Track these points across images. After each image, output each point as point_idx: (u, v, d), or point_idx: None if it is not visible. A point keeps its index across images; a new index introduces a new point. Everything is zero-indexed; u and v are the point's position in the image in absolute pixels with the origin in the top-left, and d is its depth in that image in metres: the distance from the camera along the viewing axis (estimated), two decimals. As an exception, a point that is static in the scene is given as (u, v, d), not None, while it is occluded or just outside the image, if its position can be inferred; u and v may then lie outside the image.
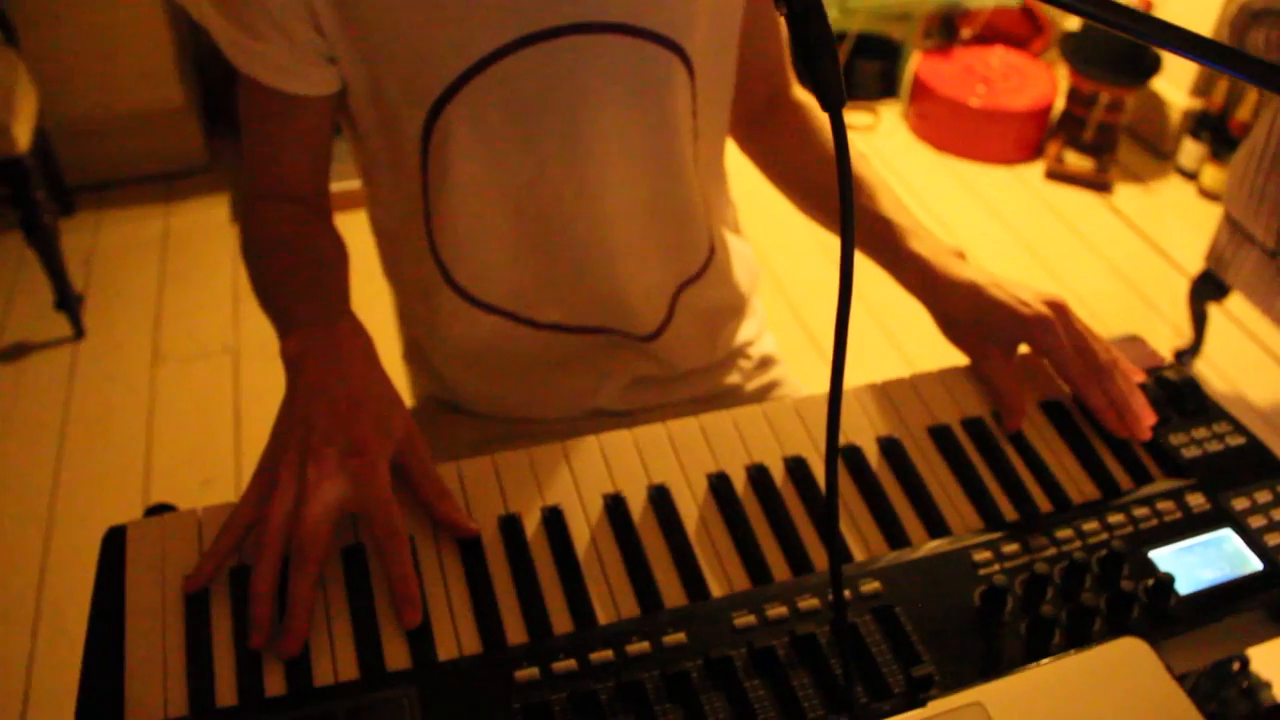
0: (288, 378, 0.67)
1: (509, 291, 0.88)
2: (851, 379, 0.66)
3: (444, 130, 0.77)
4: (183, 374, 2.09)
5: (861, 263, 0.67)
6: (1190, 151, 2.84)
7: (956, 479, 0.72)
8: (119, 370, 2.08)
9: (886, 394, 0.78)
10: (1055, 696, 0.57)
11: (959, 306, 0.80)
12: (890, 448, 0.74)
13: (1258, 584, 0.66)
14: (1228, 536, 0.69)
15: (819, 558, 0.66)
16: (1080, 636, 0.61)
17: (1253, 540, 0.69)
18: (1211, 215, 2.74)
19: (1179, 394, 0.79)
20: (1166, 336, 2.29)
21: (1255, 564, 0.67)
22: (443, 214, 0.83)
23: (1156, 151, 2.97)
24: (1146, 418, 0.76)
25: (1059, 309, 0.77)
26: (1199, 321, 2.13)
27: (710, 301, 0.97)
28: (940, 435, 0.75)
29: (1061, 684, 0.57)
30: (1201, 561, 0.67)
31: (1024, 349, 0.79)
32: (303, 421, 0.62)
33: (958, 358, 0.82)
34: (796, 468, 0.72)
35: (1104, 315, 2.36)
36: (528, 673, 0.57)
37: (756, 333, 1.06)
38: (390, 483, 0.62)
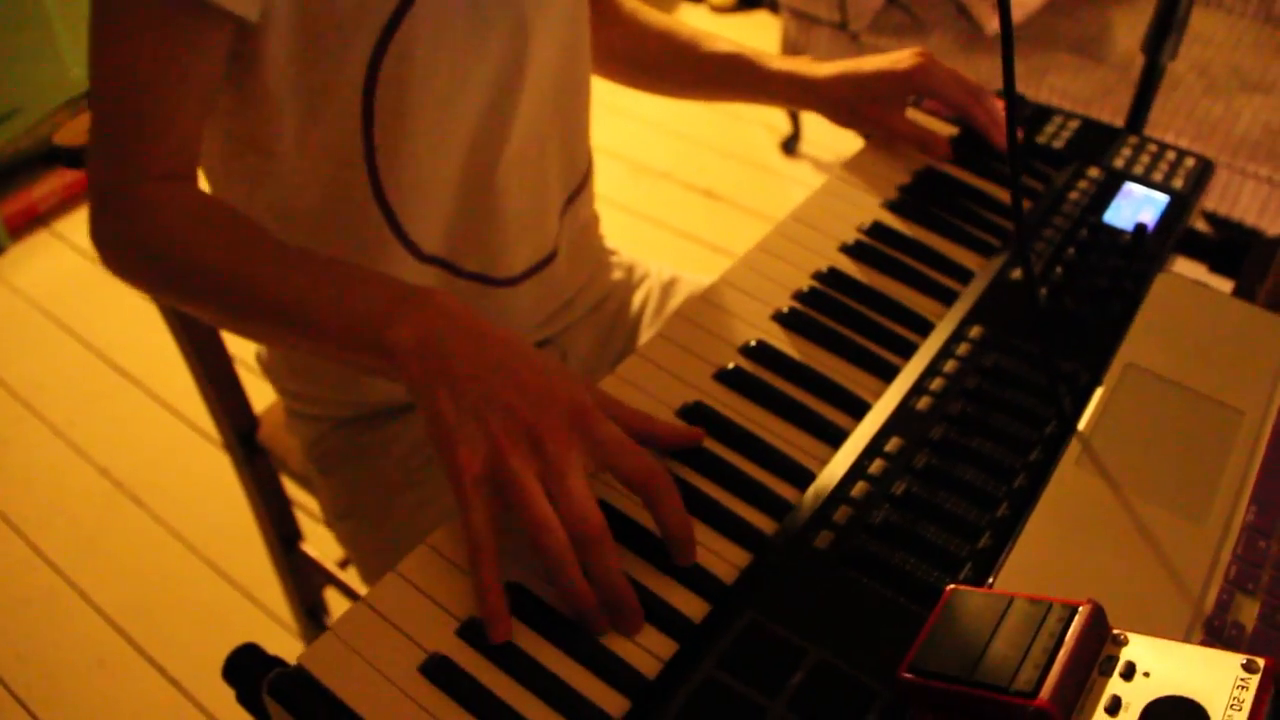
0: (419, 378, 0.55)
1: (446, 240, 0.80)
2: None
3: (402, 45, 0.67)
4: None
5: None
6: (688, -22, 3.15)
7: (941, 235, 0.80)
8: None
9: (832, 193, 0.83)
10: (1169, 331, 0.68)
11: (842, 91, 0.86)
12: (878, 231, 0.79)
13: (1172, 210, 0.82)
14: (1131, 187, 0.84)
15: (918, 331, 0.71)
16: (1125, 295, 0.72)
17: (1147, 182, 0.84)
18: (733, 26, 3.08)
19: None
20: (766, 137, 2.57)
21: (1161, 198, 0.83)
22: (392, 158, 0.72)
23: (659, -12, 3.24)
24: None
25: (925, 55, 0.86)
26: (794, 112, 2.42)
27: (585, 214, 0.95)
28: (899, 208, 0.82)
29: (1158, 323, 0.69)
30: (1132, 211, 0.81)
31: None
32: (492, 408, 0.53)
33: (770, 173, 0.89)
34: (832, 278, 0.74)
35: (707, 137, 2.58)
36: (824, 536, 0.56)
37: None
38: None
